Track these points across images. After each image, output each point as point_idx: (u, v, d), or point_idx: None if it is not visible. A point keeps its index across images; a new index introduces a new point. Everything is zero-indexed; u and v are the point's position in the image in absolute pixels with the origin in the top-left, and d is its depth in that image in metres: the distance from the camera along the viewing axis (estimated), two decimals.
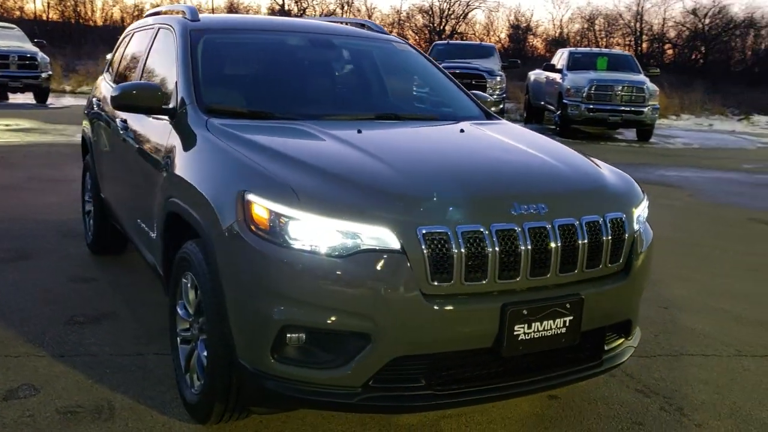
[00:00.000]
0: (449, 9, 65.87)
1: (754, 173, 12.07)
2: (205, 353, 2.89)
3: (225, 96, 3.60)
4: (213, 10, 44.13)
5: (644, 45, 59.05)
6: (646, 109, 15.66)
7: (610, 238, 2.76)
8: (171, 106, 3.48)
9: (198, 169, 2.99)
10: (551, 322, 2.60)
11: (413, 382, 2.53)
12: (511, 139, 3.38)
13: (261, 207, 2.53)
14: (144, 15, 5.48)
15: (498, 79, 16.94)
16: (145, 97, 3.44)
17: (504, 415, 3.21)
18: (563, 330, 2.64)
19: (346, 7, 58.95)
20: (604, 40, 64.53)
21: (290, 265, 2.45)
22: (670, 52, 64.26)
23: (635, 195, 3.04)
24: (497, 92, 16.50)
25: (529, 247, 2.55)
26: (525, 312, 2.54)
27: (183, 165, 3.13)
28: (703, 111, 26.12)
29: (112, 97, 3.48)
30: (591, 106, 15.47)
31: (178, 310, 3.21)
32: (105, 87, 5.13)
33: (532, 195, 2.68)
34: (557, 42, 67.04)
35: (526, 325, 2.55)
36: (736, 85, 42.10)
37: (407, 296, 2.42)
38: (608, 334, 2.94)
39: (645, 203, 3.11)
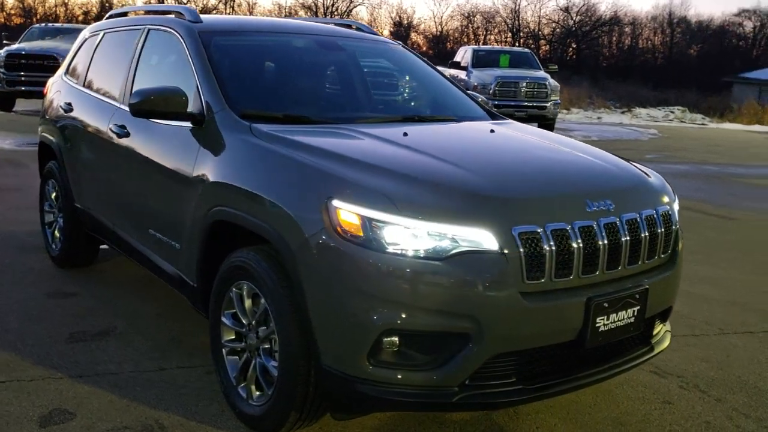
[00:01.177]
0: (333, 5, 66.11)
1: (660, 163, 12.89)
2: (273, 362, 2.84)
3: (254, 101, 3.51)
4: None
5: (520, 42, 61.58)
6: (548, 104, 16.39)
7: (663, 230, 2.95)
8: (194, 111, 3.37)
9: (258, 177, 2.91)
10: (624, 312, 2.75)
11: (504, 378, 2.60)
12: (545, 139, 3.52)
13: (351, 213, 2.52)
14: (106, 17, 5.25)
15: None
16: (170, 103, 3.32)
17: (548, 404, 3.34)
18: (632, 319, 2.80)
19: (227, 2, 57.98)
20: (482, 37, 66.82)
21: (389, 269, 2.46)
22: (544, 48, 67.35)
23: (671, 190, 3.24)
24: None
25: (605, 242, 2.68)
26: (606, 304, 2.67)
27: (232, 173, 3.05)
28: (589, 105, 27.59)
29: (132, 104, 3.33)
30: (497, 102, 16.00)
31: (224, 320, 3.14)
32: (72, 90, 4.87)
33: (599, 192, 2.81)
34: (438, 39, 68.78)
35: (605, 317, 2.68)
36: (612, 79, 44.75)
37: (506, 295, 2.49)
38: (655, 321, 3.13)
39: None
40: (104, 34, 4.83)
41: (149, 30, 4.18)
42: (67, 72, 5.24)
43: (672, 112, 26.47)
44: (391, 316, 2.47)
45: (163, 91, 3.34)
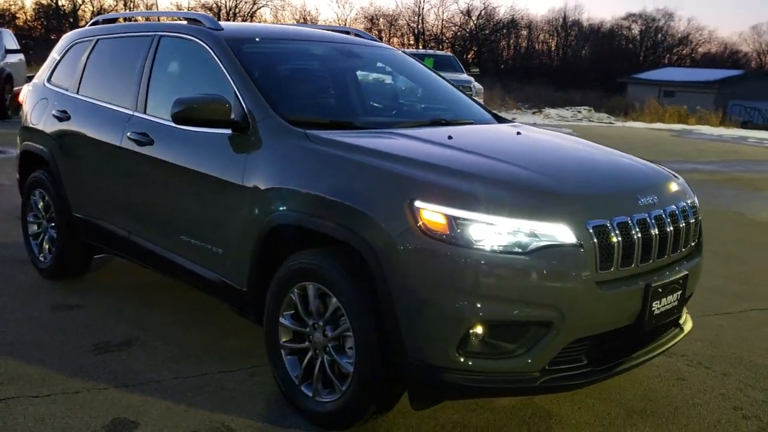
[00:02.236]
0: (236, 6, 65.25)
1: None
2: (347, 359, 2.96)
3: (296, 108, 3.58)
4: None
5: (423, 45, 62.71)
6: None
7: (694, 220, 3.25)
8: (236, 119, 3.42)
9: (330, 182, 2.99)
10: (672, 296, 3.03)
11: (577, 361, 2.82)
12: (567, 141, 3.78)
13: (436, 213, 2.67)
14: (90, 23, 5.16)
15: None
16: (213, 111, 3.36)
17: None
18: (676, 303, 3.08)
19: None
20: (386, 40, 67.61)
21: (477, 264, 2.62)
22: (447, 51, 69.09)
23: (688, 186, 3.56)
24: None
25: (656, 232, 2.94)
26: (660, 290, 2.93)
27: (296, 179, 3.12)
28: (501, 106, 28.48)
29: (176, 112, 3.35)
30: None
31: (283, 322, 3.22)
32: (64, 98, 4.77)
33: (644, 188, 3.08)
34: None
35: (658, 301, 2.95)
36: (515, 80, 46.22)
37: (585, 285, 2.70)
38: None
39: None
40: (98, 40, 4.75)
41: (160, 37, 4.16)
42: (49, 79, 5.11)
43: (579, 111, 27.71)
44: (480, 308, 2.64)
45: (206, 99, 3.37)
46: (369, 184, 2.89)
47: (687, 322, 3.45)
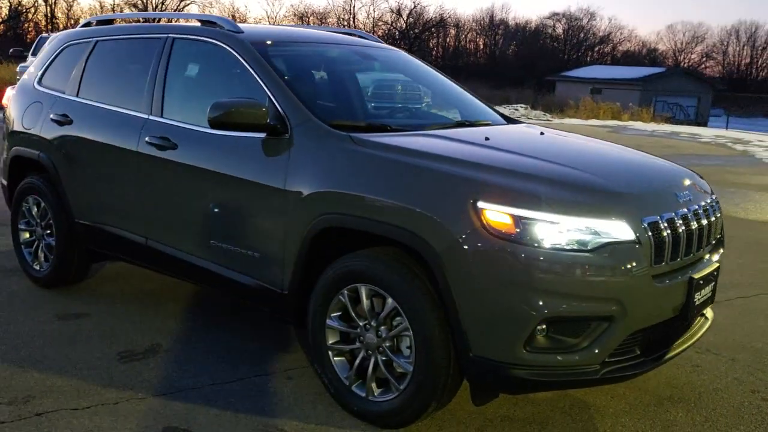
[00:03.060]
0: (162, 4, 63.85)
1: None
2: (405, 358, 3.01)
3: (331, 111, 3.59)
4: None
5: None
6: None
7: (719, 215, 3.43)
8: (273, 122, 3.41)
9: (385, 185, 3.02)
10: (708, 287, 3.19)
11: (631, 353, 2.95)
12: (592, 141, 3.92)
13: (500, 213, 2.74)
14: (82, 24, 5.03)
15: None
16: (251, 115, 3.34)
17: None
18: (711, 293, 3.26)
19: None
20: None
21: (543, 262, 2.71)
22: None
23: None
24: None
25: (695, 226, 3.11)
26: (701, 282, 3.09)
27: (346, 182, 3.13)
28: None
29: (214, 116, 3.32)
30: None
31: (331, 323, 3.24)
32: (63, 101, 4.63)
33: (680, 185, 3.24)
34: None
35: (699, 292, 3.11)
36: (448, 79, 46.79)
37: (643, 279, 2.83)
38: None
39: None
40: (97, 42, 4.63)
41: (173, 40, 4.10)
42: (40, 82, 4.95)
43: (517, 109, 28.32)
44: (547, 305, 2.72)
45: (244, 103, 3.36)
46: (428, 187, 2.94)
47: (709, 312, 3.63)
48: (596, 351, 2.82)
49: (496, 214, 2.76)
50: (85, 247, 4.63)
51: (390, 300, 3.01)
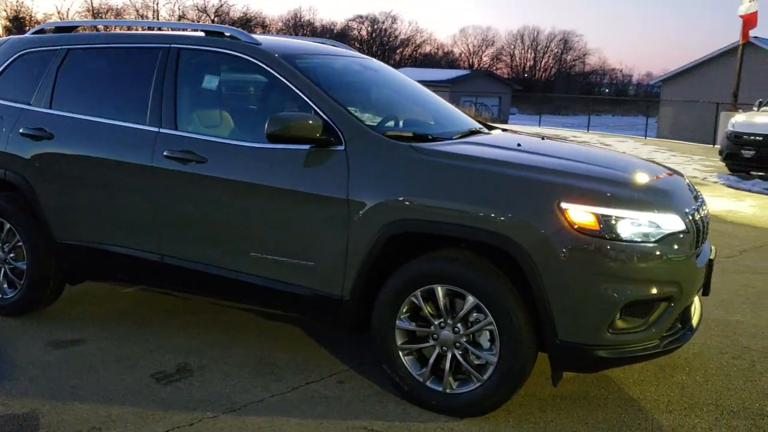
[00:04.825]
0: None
1: None
2: (487, 351, 3.26)
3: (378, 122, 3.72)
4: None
5: None
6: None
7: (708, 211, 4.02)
8: (321, 135, 3.50)
9: (459, 191, 3.24)
10: (711, 270, 3.75)
11: (674, 327, 3.43)
12: (586, 145, 4.36)
13: (585, 212, 3.09)
14: (33, 31, 4.69)
15: None
16: (308, 128, 3.42)
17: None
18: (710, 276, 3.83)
19: None
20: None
21: (624, 254, 3.09)
22: None
23: None
24: None
25: (703, 216, 3.64)
26: (712, 266, 3.65)
27: (419, 190, 3.30)
28: None
29: (273, 131, 3.36)
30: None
31: (401, 325, 3.41)
32: (35, 114, 4.31)
33: (687, 185, 3.77)
34: None
35: (711, 275, 3.66)
36: None
37: (692, 263, 3.31)
38: None
39: None
40: (69, 50, 4.36)
41: (179, 50, 4.00)
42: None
43: None
44: (628, 291, 3.11)
45: (302, 117, 3.43)
46: (511, 192, 3.20)
47: None
48: (659, 328, 3.26)
49: (580, 213, 3.09)
50: (65, 268, 4.35)
51: (471, 298, 3.25)
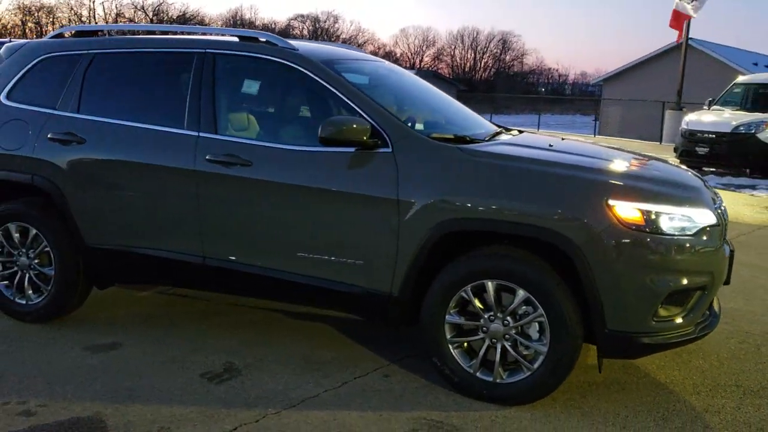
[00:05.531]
0: None
1: None
2: (536, 342, 3.45)
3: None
4: None
5: None
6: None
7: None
8: (369, 138, 3.63)
9: (511, 190, 3.42)
10: (732, 261, 4.02)
11: (704, 314, 3.68)
12: (596, 144, 4.60)
13: (632, 209, 3.31)
14: (51, 35, 4.67)
15: None
16: (358, 132, 3.55)
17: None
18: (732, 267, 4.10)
19: None
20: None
21: (667, 247, 3.32)
22: None
23: None
24: None
25: (723, 213, 3.92)
26: (733, 256, 3.92)
27: (467, 189, 3.47)
28: None
29: (327, 135, 3.49)
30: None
31: (450, 319, 3.57)
32: (63, 119, 4.31)
33: (706, 184, 4.04)
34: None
35: (730, 265, 3.94)
36: None
37: (723, 253, 3.57)
38: None
39: None
40: (96, 55, 4.37)
41: (215, 56, 4.06)
42: (8, 97, 4.51)
43: None
44: (671, 281, 3.35)
45: (353, 121, 3.57)
46: (560, 190, 3.40)
47: None
48: (695, 315, 3.51)
49: (628, 210, 3.31)
50: (96, 273, 4.36)
51: (522, 292, 3.43)
